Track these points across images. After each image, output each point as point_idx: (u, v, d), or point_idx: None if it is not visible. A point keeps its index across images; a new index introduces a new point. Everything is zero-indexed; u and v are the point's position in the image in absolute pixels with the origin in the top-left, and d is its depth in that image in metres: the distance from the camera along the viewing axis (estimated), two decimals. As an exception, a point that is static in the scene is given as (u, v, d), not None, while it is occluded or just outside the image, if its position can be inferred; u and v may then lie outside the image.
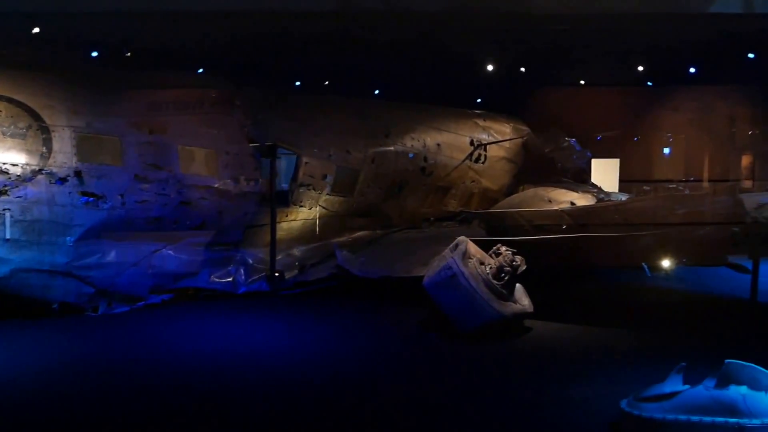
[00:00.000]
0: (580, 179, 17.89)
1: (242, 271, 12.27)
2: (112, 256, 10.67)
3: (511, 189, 16.90)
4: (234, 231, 12.06)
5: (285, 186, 13.09)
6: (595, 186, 17.40)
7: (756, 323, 10.56)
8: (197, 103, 11.80)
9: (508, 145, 16.51)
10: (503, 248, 9.72)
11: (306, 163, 12.79)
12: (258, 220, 12.35)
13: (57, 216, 10.08)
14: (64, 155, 10.20)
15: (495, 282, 9.34)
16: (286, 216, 12.86)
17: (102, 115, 10.67)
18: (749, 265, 10.40)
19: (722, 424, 5.65)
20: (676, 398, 5.93)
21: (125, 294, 11.01)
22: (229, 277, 12.14)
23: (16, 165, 9.88)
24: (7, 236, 9.75)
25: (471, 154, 15.64)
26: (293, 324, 10.62)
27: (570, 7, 13.02)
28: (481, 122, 16.16)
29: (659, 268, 11.22)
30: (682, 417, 5.76)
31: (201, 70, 13.94)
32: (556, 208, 11.74)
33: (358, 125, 13.90)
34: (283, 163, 13.47)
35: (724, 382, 6.24)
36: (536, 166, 17.20)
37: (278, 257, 12.55)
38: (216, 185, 11.61)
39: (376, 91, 17.10)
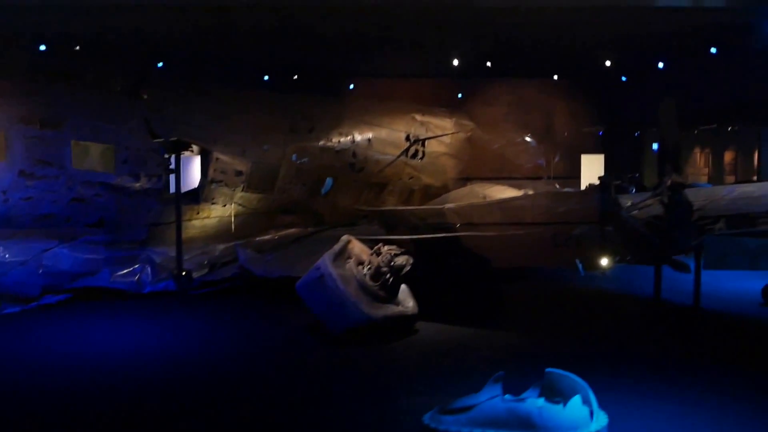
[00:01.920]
0: (537, 175, 17.39)
1: (148, 270, 11.83)
2: (-7, 254, 10.27)
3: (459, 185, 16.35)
4: (137, 229, 11.62)
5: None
6: (552, 182, 16.86)
7: (644, 325, 9.98)
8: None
9: (449, 140, 15.90)
10: (384, 248, 9.16)
11: (217, 159, 12.31)
12: (164, 218, 11.90)
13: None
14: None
15: (371, 283, 8.81)
16: (197, 213, 12.40)
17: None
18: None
19: (516, 437, 5.21)
20: (474, 411, 5.60)
21: (14, 295, 10.58)
22: (134, 276, 11.71)
23: None
24: None
25: (406, 150, 15.05)
26: (183, 325, 10.16)
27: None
28: (419, 117, 15.56)
29: (595, 267, 10.64)
30: (477, 430, 5.43)
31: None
32: (442, 206, 11.14)
33: (278, 120, 13.38)
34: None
35: (543, 392, 5.87)
36: (483, 162, 16.65)
37: (191, 256, 12.10)
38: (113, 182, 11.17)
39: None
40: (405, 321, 9.06)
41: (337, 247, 8.92)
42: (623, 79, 17.63)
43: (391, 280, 8.94)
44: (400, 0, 11.41)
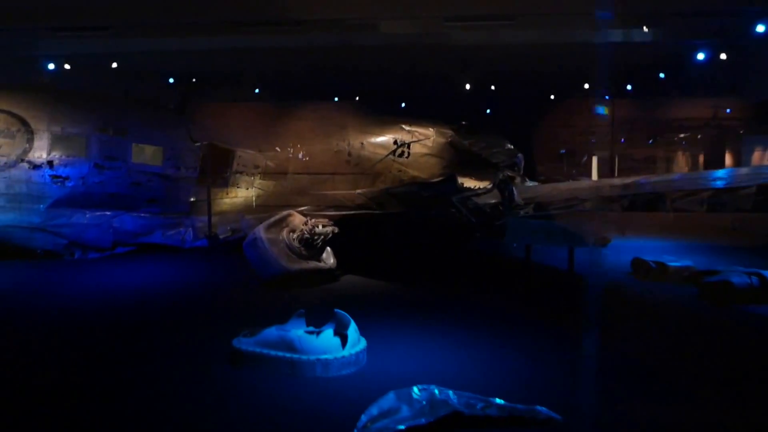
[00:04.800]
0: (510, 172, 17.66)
1: (190, 231, 13.39)
2: (77, 218, 12.08)
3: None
4: (181, 204, 13.17)
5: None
6: (523, 179, 17.14)
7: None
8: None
9: (430, 144, 16.51)
10: (312, 221, 10.16)
11: (239, 155, 13.67)
12: (201, 197, 13.39)
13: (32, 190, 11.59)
14: (41, 150, 11.68)
15: (296, 245, 9.83)
16: (227, 194, 13.83)
17: (71, 122, 12.04)
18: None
19: (282, 357, 5.94)
20: (260, 335, 6.27)
21: (92, 246, 12.40)
22: (180, 236, 13.30)
23: (7, 155, 11.46)
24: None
25: (394, 151, 15.82)
26: (209, 266, 12.02)
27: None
28: (407, 126, 16.29)
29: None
30: (257, 350, 6.08)
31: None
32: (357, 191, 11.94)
33: (287, 127, 14.56)
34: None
35: (333, 325, 6.48)
36: (466, 161, 17.12)
37: (220, 223, 13.56)
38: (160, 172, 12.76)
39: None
40: (322, 273, 10.05)
41: (273, 218, 9.98)
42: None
43: (313, 243, 9.91)
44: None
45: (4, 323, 7.90)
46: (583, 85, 21.53)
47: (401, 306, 8.71)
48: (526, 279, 10.04)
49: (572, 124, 25.51)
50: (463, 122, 17.96)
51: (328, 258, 10.26)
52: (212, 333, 7.24)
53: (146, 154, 12.70)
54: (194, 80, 21.22)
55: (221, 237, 13.46)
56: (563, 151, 25.41)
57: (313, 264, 9.94)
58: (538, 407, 5.00)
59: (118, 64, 19.43)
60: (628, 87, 22.68)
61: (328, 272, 10.15)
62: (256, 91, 24.40)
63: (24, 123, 11.65)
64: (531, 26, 15.61)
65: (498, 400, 5.08)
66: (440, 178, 11.90)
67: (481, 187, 10.21)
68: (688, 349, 6.95)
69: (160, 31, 16.32)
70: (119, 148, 12.41)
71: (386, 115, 16.27)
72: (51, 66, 18.99)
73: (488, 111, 26.18)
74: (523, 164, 18.51)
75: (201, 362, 6.32)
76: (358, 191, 11.92)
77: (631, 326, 7.87)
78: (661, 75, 21.27)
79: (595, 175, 24.17)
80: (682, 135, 26.15)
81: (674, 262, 10.67)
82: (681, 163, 26.80)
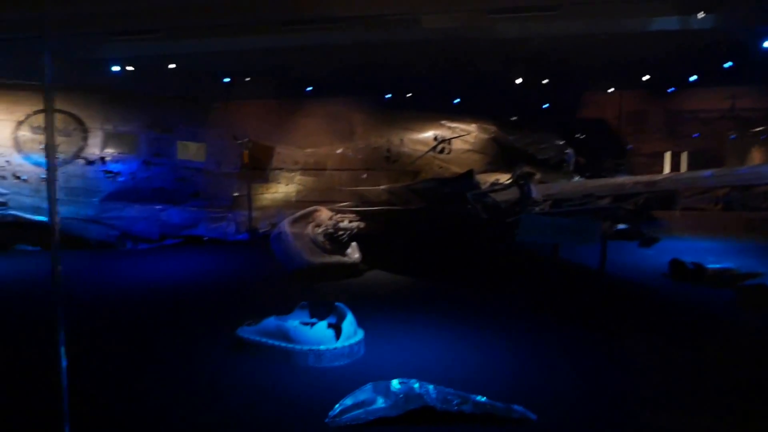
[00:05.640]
0: (559, 168, 17.38)
1: (232, 225, 13.99)
2: (127, 211, 12.88)
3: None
4: (224, 198, 13.77)
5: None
6: (574, 175, 16.86)
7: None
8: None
9: (472, 140, 16.43)
10: (336, 216, 10.39)
11: (279, 152, 14.11)
12: (243, 192, 13.94)
13: (87, 184, 12.46)
14: (95, 147, 12.52)
15: (321, 239, 10.09)
16: (267, 189, 14.31)
17: (123, 121, 12.82)
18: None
19: (277, 346, 6.23)
20: (261, 324, 6.58)
21: (141, 237, 13.18)
22: (222, 229, 13.92)
23: (65, 152, 12.35)
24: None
25: (434, 147, 15.86)
26: (249, 257, 12.46)
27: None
28: (447, 123, 16.29)
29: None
30: (256, 338, 6.41)
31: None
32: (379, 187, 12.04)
33: (327, 126, 14.87)
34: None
35: (332, 317, 6.73)
36: (510, 157, 16.95)
37: (262, 219, 14.08)
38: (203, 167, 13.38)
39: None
40: (345, 267, 10.27)
41: (299, 213, 10.29)
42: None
43: (337, 237, 10.15)
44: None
45: (72, 306, 8.59)
46: (641, 77, 20.71)
47: (416, 301, 8.81)
48: (549, 278, 9.88)
49: (638, 118, 24.63)
50: (513, 118, 17.83)
51: (353, 253, 10.46)
52: (230, 321, 7.65)
53: (190, 151, 13.35)
54: (247, 79, 22.05)
55: (261, 231, 13.97)
56: (630, 147, 24.48)
57: (336, 258, 10.17)
58: (515, 406, 5.02)
59: (175, 65, 20.49)
60: (693, 77, 21.59)
61: (352, 266, 10.37)
62: (308, 88, 25.01)
63: (80, 122, 12.52)
64: (579, 16, 15.23)
65: (478, 398, 5.12)
66: (458, 174, 11.87)
67: (502, 182, 10.14)
68: (708, 357, 6.68)
69: (212, 32, 17.09)
70: (166, 145, 13.12)
71: (427, 112, 16.33)
72: (116, 68, 20.26)
73: (545, 105, 25.69)
74: (573, 160, 18.09)
75: (211, 348, 6.69)
76: (382, 187, 12.07)
77: (651, 332, 7.63)
78: (728, 63, 20.08)
79: (684, 169, 23.02)
80: (760, 128, 24.64)
81: (713, 264, 10.21)
82: (756, 158, 25.27)
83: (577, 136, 25.86)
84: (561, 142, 17.96)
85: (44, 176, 12.12)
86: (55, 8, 13.48)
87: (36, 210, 12.17)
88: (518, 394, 5.41)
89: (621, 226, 15.42)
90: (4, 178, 11.86)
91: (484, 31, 16.53)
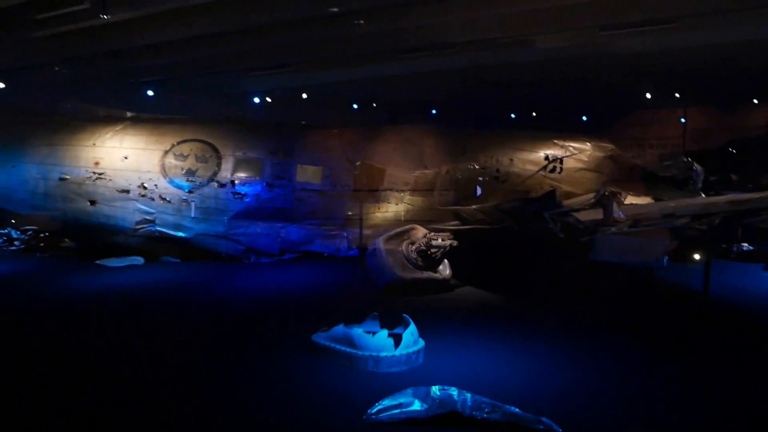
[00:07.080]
0: (684, 187, 16.46)
1: (345, 242, 15.03)
2: (252, 228, 14.41)
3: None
4: (338, 217, 14.87)
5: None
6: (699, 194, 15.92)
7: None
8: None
9: (586, 159, 16.10)
10: (430, 234, 10.90)
11: (389, 174, 14.97)
12: (355, 211, 14.95)
13: (219, 204, 14.18)
14: (227, 171, 14.24)
15: (414, 256, 10.67)
16: (378, 209, 15.21)
17: (250, 148, 14.44)
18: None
19: (344, 351, 6.99)
20: (331, 331, 7.33)
21: (264, 252, 14.66)
22: (336, 246, 15.01)
23: (202, 176, 14.19)
24: (193, 215, 14.14)
25: (545, 167, 15.80)
26: (358, 270, 12.82)
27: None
28: (559, 142, 16.12)
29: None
30: (327, 343, 7.21)
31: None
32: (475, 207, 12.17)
33: (435, 147, 15.46)
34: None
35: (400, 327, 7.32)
36: (628, 176, 16.41)
37: (373, 236, 14.97)
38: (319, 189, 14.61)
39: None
40: (436, 283, 10.73)
41: (394, 230, 10.97)
42: None
43: (430, 254, 10.65)
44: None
45: (193, 309, 10.18)
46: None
47: (491, 317, 9.03)
48: (647, 299, 9.56)
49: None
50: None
51: (445, 269, 10.90)
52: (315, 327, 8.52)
53: (308, 174, 14.65)
54: (374, 105, 23.42)
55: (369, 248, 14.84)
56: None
57: (427, 274, 10.68)
58: (543, 418, 5.22)
59: (307, 94, 22.42)
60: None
61: (442, 283, 10.80)
62: (433, 111, 25.84)
63: (215, 149, 14.34)
64: (698, 28, 14.47)
65: (510, 408, 5.40)
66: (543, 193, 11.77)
67: (587, 201, 9.96)
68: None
69: (338, 63, 18.59)
70: (286, 169, 14.54)
71: (538, 131, 16.28)
72: (256, 100, 22.66)
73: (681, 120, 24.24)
74: (701, 178, 16.93)
75: (292, 351, 7.56)
76: (473, 207, 12.33)
77: (737, 362, 7.23)
78: None
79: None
80: None
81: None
82: None
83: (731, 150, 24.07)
84: (686, 159, 16.92)
85: (184, 198, 14.08)
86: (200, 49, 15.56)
87: (177, 227, 14.12)
88: (567, 411, 5.57)
89: (746, 246, 14.22)
90: (152, 199, 13.94)
91: (604, 48, 16.25)
